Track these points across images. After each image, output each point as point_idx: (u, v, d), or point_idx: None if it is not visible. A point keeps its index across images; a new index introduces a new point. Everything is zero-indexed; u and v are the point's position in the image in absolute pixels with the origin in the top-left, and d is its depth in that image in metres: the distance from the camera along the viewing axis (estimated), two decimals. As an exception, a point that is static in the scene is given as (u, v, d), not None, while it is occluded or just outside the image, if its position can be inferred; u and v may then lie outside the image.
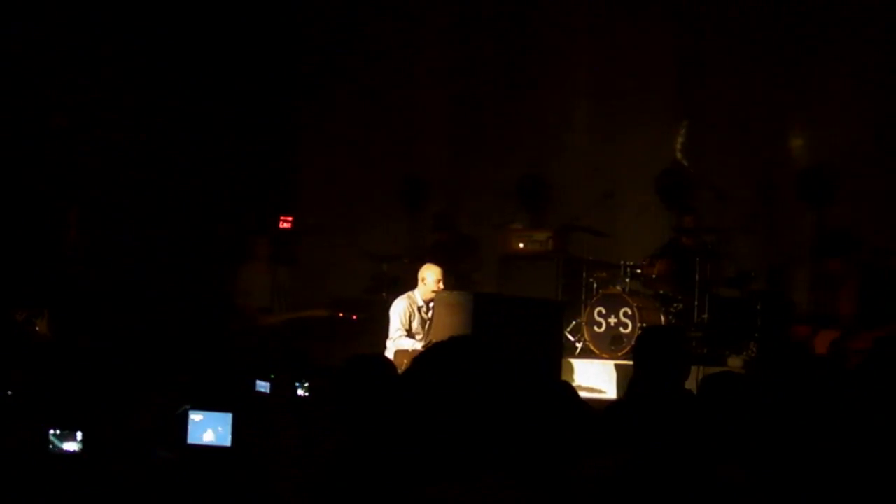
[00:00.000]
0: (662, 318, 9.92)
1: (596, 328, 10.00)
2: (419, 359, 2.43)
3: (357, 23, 13.12)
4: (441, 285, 9.16)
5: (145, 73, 11.09)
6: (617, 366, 9.28)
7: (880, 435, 3.54)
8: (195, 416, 3.59)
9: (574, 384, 8.77)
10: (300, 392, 4.87)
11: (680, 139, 11.65)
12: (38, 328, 7.35)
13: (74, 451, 3.76)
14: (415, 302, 9.23)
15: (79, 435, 3.79)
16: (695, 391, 4.07)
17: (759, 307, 9.53)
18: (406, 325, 9.12)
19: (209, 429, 3.57)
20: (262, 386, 4.42)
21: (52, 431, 3.83)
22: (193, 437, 3.57)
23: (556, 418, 3.43)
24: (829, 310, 8.77)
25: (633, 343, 9.21)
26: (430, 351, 2.42)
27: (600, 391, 9.20)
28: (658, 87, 11.67)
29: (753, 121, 11.21)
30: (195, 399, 3.71)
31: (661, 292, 10.16)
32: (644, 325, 9.54)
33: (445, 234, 12.13)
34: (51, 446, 3.78)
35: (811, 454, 3.46)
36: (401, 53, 12.91)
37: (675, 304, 10.05)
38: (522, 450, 2.43)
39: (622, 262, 10.32)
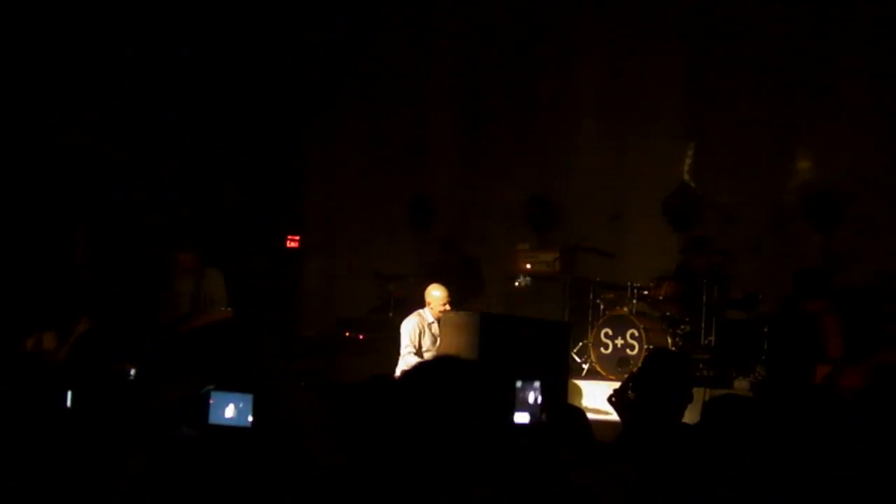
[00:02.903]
0: (669, 340, 9.90)
1: (602, 350, 9.99)
2: (402, 379, 2.44)
3: (364, 44, 13.16)
4: (447, 305, 9.17)
5: (152, 93, 11.14)
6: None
7: (878, 462, 3.53)
8: (217, 397, 3.68)
9: (581, 406, 8.77)
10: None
11: (687, 161, 11.66)
12: (45, 346, 7.37)
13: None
14: (425, 319, 9.26)
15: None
16: (700, 413, 4.06)
17: (766, 330, 9.51)
18: (416, 343, 9.16)
19: (230, 409, 3.66)
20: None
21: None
22: (214, 417, 3.65)
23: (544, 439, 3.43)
24: (815, 347, 8.73)
25: (639, 365, 9.24)
26: (412, 372, 2.44)
27: (607, 413, 9.16)
28: (666, 108, 11.69)
29: (761, 143, 11.22)
30: (218, 380, 3.78)
31: (668, 314, 10.15)
32: (651, 346, 9.51)
33: (450, 254, 12.14)
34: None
35: (810, 480, 3.46)
36: (408, 74, 12.96)
37: (682, 326, 10.03)
38: (506, 468, 2.43)
39: (629, 284, 10.31)
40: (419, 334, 9.20)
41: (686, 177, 11.62)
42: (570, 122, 12.31)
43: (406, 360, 9.06)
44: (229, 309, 9.79)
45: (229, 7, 12.10)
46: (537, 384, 3.41)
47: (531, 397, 3.47)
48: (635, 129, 11.77)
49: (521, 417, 3.47)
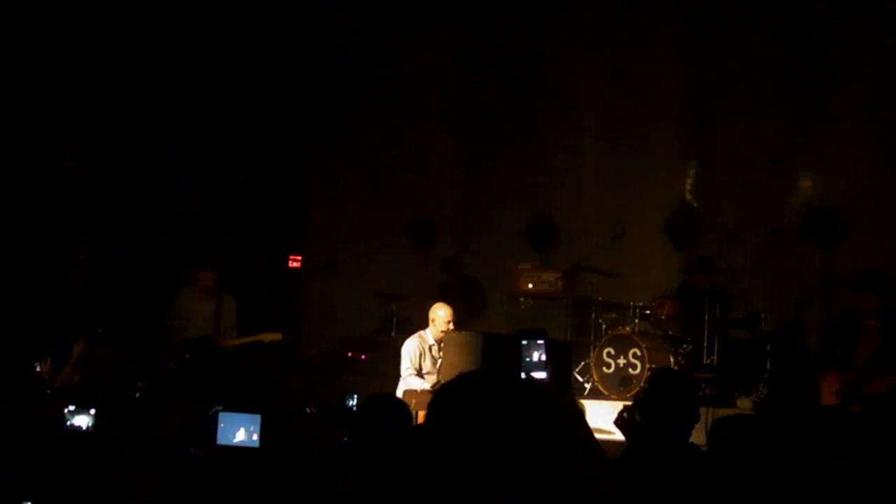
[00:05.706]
0: (671, 360, 9.90)
1: (605, 369, 9.99)
2: (441, 393, 2.39)
3: (368, 66, 13.21)
4: (451, 325, 9.17)
5: (154, 114, 11.16)
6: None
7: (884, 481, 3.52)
8: (225, 417, 3.70)
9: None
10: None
11: (689, 180, 11.67)
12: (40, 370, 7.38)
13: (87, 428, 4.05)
14: (425, 341, 9.24)
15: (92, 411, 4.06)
16: (704, 433, 4.06)
17: (768, 349, 9.51)
18: (416, 365, 9.14)
19: (238, 430, 3.67)
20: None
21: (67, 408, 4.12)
22: (223, 438, 3.67)
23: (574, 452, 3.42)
24: (841, 351, 8.66)
25: (641, 384, 9.24)
26: (454, 384, 2.40)
27: (609, 433, 9.15)
28: (667, 128, 11.71)
29: (762, 162, 11.23)
30: (226, 401, 3.80)
31: (671, 333, 10.15)
32: (653, 366, 9.52)
33: (450, 275, 12.15)
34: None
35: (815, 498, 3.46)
36: (411, 96, 12.99)
37: (684, 346, 10.04)
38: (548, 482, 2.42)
39: (631, 303, 10.32)
40: (419, 356, 9.19)
41: (688, 196, 11.63)
42: (571, 141, 12.32)
43: (407, 382, 9.05)
44: (278, 334, 9.92)
45: (232, 33, 12.14)
46: (541, 341, 3.39)
47: (540, 356, 3.45)
48: (637, 149, 11.79)
49: (539, 375, 3.45)
